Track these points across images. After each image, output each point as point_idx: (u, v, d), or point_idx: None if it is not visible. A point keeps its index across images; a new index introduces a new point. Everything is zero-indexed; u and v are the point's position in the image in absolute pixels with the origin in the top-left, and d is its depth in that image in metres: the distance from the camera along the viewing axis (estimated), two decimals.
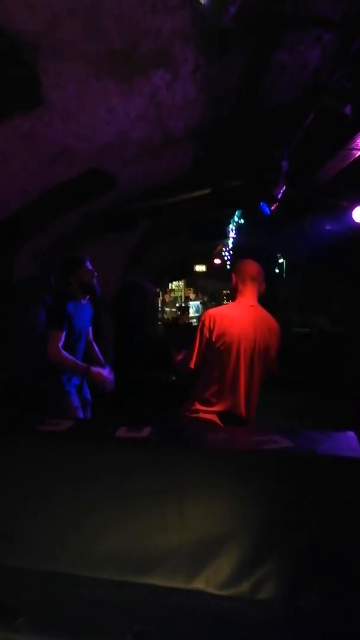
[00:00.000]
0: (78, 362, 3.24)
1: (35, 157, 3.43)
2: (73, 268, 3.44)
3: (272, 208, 5.14)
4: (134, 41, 2.55)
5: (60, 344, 3.15)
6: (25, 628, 1.47)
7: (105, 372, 3.29)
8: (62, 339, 3.19)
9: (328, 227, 7.37)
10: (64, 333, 3.20)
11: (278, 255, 11.71)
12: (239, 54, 3.03)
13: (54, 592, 1.69)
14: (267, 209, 5.00)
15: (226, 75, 3.27)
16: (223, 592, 1.64)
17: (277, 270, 12.07)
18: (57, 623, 1.50)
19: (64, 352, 3.15)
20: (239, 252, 12.26)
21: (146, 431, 2.01)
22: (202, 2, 1.94)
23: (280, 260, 11.61)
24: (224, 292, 19.73)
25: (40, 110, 2.85)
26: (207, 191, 5.74)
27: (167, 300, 16.99)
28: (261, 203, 4.97)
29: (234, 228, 9.05)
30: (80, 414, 3.31)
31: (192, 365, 2.49)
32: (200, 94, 3.44)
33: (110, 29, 2.39)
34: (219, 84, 3.35)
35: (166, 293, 17.35)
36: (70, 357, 3.18)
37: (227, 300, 20.81)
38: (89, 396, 3.49)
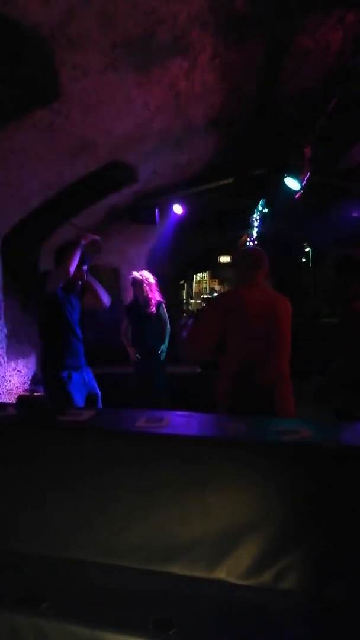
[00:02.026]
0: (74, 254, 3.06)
1: (56, 151, 3.46)
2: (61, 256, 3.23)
3: (297, 195, 5.05)
4: (150, 30, 2.53)
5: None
6: (49, 613, 1.51)
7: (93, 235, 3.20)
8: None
9: (355, 215, 7.20)
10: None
11: (304, 244, 11.50)
12: (258, 39, 2.97)
13: (78, 579, 1.71)
14: (294, 187, 4.84)
15: (246, 61, 3.21)
16: (245, 582, 1.63)
17: (303, 260, 11.86)
18: (80, 609, 1.53)
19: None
20: (263, 241, 12.10)
21: (165, 421, 2.02)
22: None
23: (307, 249, 11.40)
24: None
25: (59, 103, 2.87)
26: (230, 180, 5.68)
27: (195, 291, 16.94)
28: (286, 179, 4.82)
29: (258, 217, 8.93)
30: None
31: (205, 349, 2.60)
32: (220, 82, 3.39)
33: (126, 18, 2.38)
34: (238, 71, 3.30)
35: (195, 284, 17.31)
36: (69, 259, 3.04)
37: None
38: (97, 390, 3.37)
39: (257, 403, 2.40)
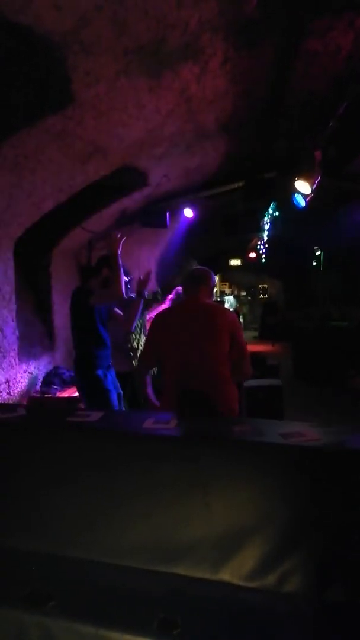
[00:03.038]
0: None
1: (68, 156, 3.50)
2: (104, 266, 3.60)
3: (307, 199, 5.04)
4: (161, 35, 2.55)
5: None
6: (55, 612, 1.53)
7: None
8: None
9: None
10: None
11: (315, 247, 11.47)
12: (268, 43, 2.98)
13: (83, 578, 1.73)
14: (299, 203, 4.90)
15: (256, 66, 3.23)
16: (248, 584, 1.64)
17: (314, 263, 11.82)
18: (85, 608, 1.55)
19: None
20: (273, 245, 12.09)
21: (173, 423, 2.03)
22: None
23: (317, 253, 11.37)
24: (260, 286, 19.50)
25: (71, 109, 2.90)
26: (241, 184, 5.69)
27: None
28: (293, 197, 4.88)
29: (268, 221, 8.93)
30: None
31: (147, 363, 2.86)
32: (231, 87, 3.41)
33: (138, 24, 2.40)
34: (249, 75, 3.31)
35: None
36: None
37: (263, 295, 20.35)
38: (120, 389, 3.60)
39: (197, 406, 2.45)
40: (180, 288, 4.83)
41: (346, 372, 2.99)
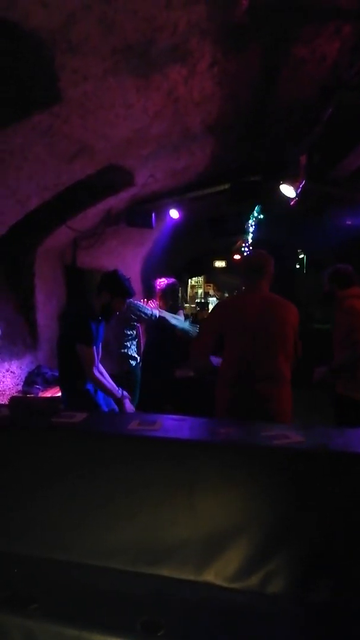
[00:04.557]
0: (113, 387, 3.10)
1: (54, 154, 3.47)
2: (104, 288, 3.26)
3: (292, 203, 5.09)
4: (150, 36, 2.55)
5: (94, 361, 3.06)
6: (37, 615, 1.51)
7: (129, 405, 3.16)
8: (96, 355, 3.11)
9: (349, 222, 7.27)
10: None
11: (298, 250, 11.59)
12: (256, 48, 3.00)
13: (66, 580, 1.72)
14: (289, 194, 4.89)
15: (243, 70, 3.25)
16: (232, 585, 1.65)
17: (297, 266, 11.94)
18: (68, 610, 1.54)
19: (101, 376, 3.08)
20: (258, 247, 12.15)
21: (158, 425, 2.03)
22: None
23: (301, 256, 11.48)
24: (244, 288, 19.55)
25: (58, 107, 2.88)
26: (226, 186, 5.71)
27: (190, 295, 16.98)
28: (281, 186, 4.87)
29: (253, 223, 8.99)
30: None
31: (204, 351, 2.70)
32: (218, 89, 3.42)
33: (126, 25, 2.40)
34: (236, 78, 3.33)
35: (190, 288, 17.36)
36: (106, 381, 3.09)
37: None
38: (112, 403, 3.33)
39: (254, 403, 2.45)
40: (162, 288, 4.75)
41: (325, 375, 3.07)
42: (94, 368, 3.04)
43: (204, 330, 2.79)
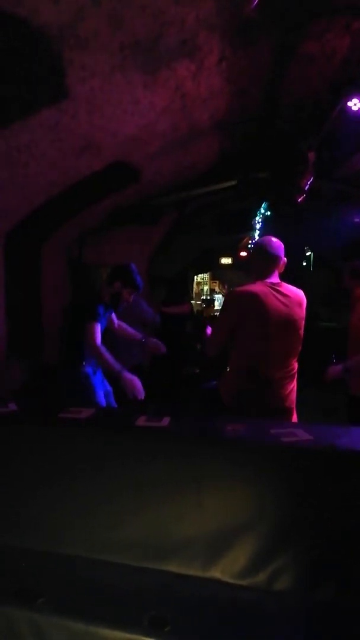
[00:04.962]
0: (113, 362, 3.15)
1: (61, 150, 3.47)
2: (117, 278, 3.40)
3: (299, 200, 5.07)
4: (158, 32, 2.54)
5: (98, 337, 3.18)
6: (45, 609, 1.52)
7: (137, 381, 3.13)
8: (99, 332, 3.21)
9: (357, 220, 7.23)
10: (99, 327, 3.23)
11: (305, 247, 11.54)
12: (265, 43, 2.98)
13: (73, 575, 1.73)
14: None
15: (252, 65, 3.23)
16: (239, 582, 1.65)
17: (304, 263, 11.90)
18: (75, 605, 1.55)
19: (102, 348, 3.15)
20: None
21: (165, 421, 2.03)
22: None
23: (308, 253, 11.44)
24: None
25: (66, 102, 2.88)
26: (234, 183, 5.70)
27: (195, 292, 16.97)
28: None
29: (260, 220, 8.96)
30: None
31: (219, 344, 2.65)
32: (226, 85, 3.40)
33: (135, 20, 2.39)
34: (244, 74, 3.31)
35: (195, 285, 17.33)
36: (107, 355, 3.14)
37: None
38: (108, 385, 3.52)
39: (264, 397, 2.44)
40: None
41: (340, 374, 3.03)
42: (98, 343, 3.16)
43: (220, 326, 2.70)
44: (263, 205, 7.90)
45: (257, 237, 11.08)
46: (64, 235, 5.42)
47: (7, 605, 1.54)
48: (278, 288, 2.58)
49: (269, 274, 2.62)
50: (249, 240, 12.71)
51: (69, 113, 3.00)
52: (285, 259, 2.70)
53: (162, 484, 1.82)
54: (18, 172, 3.42)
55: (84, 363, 3.36)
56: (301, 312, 2.60)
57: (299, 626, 1.50)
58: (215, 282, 19.33)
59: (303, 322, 2.59)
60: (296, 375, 2.63)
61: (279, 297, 2.54)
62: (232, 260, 16.90)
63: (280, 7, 2.58)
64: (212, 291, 18.25)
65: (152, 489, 1.82)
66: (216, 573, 1.68)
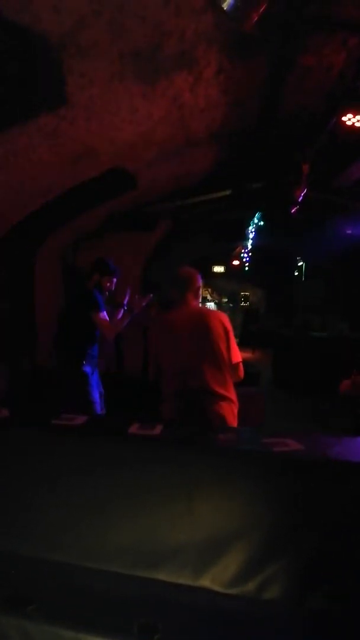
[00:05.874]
0: (125, 316, 3.49)
1: (58, 156, 3.48)
2: (94, 271, 3.65)
3: (293, 210, 5.13)
4: (157, 43, 2.57)
5: (107, 320, 3.43)
6: (35, 615, 1.51)
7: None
8: (107, 316, 3.45)
9: (349, 231, 7.31)
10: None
11: (297, 258, 11.64)
12: (263, 57, 3.03)
13: (65, 582, 1.72)
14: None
15: (250, 78, 3.27)
16: (229, 591, 1.65)
17: (296, 273, 11.99)
18: (66, 612, 1.54)
19: (112, 324, 3.44)
20: (257, 254, 12.21)
21: (158, 428, 2.04)
22: (225, 9, 1.96)
23: (300, 263, 11.54)
24: (242, 293, 19.64)
25: (64, 109, 2.90)
26: (228, 192, 5.75)
27: None
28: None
29: (253, 230, 9.03)
30: (99, 409, 3.41)
31: (151, 374, 2.82)
32: (223, 97, 3.45)
33: (135, 31, 2.42)
34: (241, 86, 3.35)
35: None
36: (119, 318, 3.49)
37: (245, 302, 20.46)
38: (101, 388, 3.62)
39: (193, 409, 2.49)
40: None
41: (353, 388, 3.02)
42: (110, 324, 3.44)
43: (150, 352, 2.91)
44: (257, 215, 7.97)
45: (249, 247, 11.15)
46: (59, 240, 5.42)
47: None
48: (190, 312, 2.75)
49: (182, 298, 2.80)
50: (242, 249, 12.78)
51: (67, 119, 3.02)
52: (199, 284, 2.87)
53: (153, 492, 1.82)
54: (14, 176, 3.43)
55: (83, 362, 3.45)
56: (213, 330, 2.66)
57: (289, 635, 1.51)
58: (207, 290, 19.39)
59: (217, 339, 2.64)
60: (221, 394, 2.61)
61: (190, 319, 2.70)
62: (225, 269, 16.99)
63: (278, 22, 2.62)
64: (204, 298, 18.31)
65: (144, 496, 1.82)
66: (206, 582, 1.68)
